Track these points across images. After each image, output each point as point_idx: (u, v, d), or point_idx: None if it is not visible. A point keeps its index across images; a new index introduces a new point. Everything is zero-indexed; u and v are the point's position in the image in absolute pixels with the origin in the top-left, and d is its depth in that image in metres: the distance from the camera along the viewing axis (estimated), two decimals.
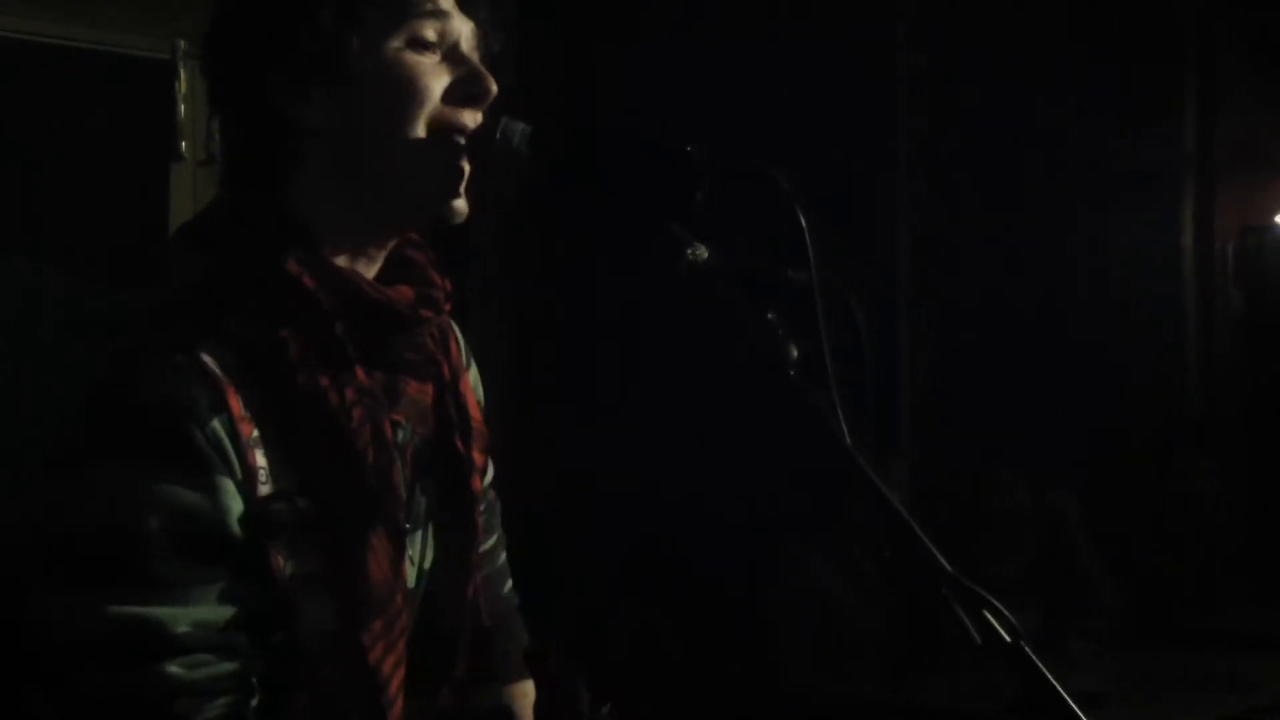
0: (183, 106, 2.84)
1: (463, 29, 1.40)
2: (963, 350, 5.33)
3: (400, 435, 1.42)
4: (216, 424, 1.23)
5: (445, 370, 1.51)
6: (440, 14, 1.37)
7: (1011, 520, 4.66)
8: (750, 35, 4.53)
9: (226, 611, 1.23)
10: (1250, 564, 5.76)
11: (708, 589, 3.96)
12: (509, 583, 1.73)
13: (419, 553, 1.48)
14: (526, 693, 1.69)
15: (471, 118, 1.40)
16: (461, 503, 1.52)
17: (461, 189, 1.41)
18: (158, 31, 2.87)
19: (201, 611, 1.22)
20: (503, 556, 1.72)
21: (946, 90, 5.31)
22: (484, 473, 1.58)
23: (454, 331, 1.59)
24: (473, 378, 1.64)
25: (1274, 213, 6.56)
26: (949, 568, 1.33)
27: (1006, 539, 4.62)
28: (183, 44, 2.87)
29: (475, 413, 1.56)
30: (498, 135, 1.39)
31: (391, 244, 1.44)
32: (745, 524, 4.02)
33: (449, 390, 1.51)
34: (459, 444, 1.50)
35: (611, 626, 3.73)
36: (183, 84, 2.83)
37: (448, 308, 1.50)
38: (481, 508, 1.58)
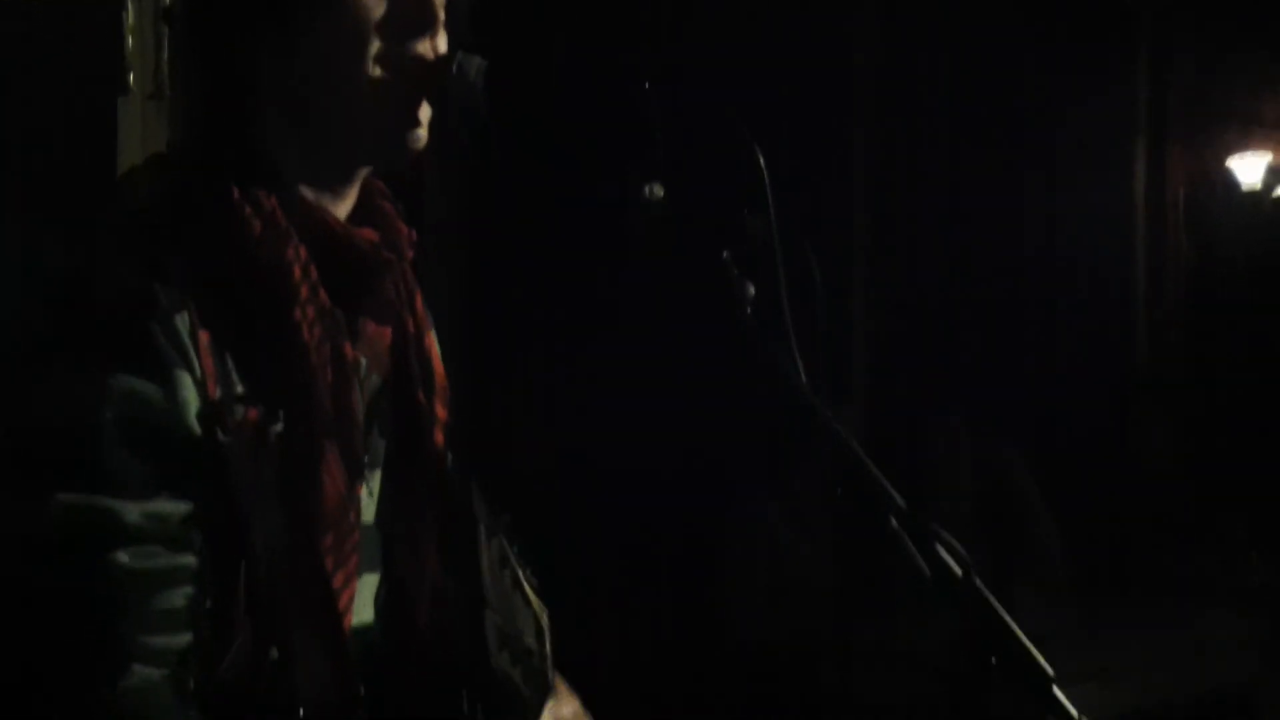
0: (130, 39, 2.80)
1: None
2: (916, 299, 5.36)
3: (359, 368, 1.42)
4: (177, 321, 1.24)
5: (409, 322, 1.52)
6: None
7: (957, 469, 4.71)
8: None
9: (180, 507, 1.23)
10: (1196, 513, 5.84)
11: (660, 535, 3.97)
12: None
13: (376, 489, 1.48)
14: None
15: (424, 47, 1.39)
16: (423, 454, 1.53)
17: (420, 118, 1.41)
18: None
19: (154, 505, 1.22)
20: None
21: (902, 38, 5.30)
22: (446, 428, 1.59)
23: (420, 290, 1.59)
24: (432, 333, 1.64)
25: (1223, 161, 6.62)
26: (901, 502, 1.34)
27: (952, 487, 4.67)
28: None
29: (438, 366, 1.56)
30: (454, 70, 1.38)
31: (357, 183, 1.45)
32: (698, 468, 4.03)
33: (412, 343, 1.52)
34: (420, 396, 1.51)
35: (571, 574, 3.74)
36: (130, 15, 2.78)
37: (410, 255, 1.50)
38: (445, 462, 1.58)
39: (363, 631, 1.42)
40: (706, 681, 3.88)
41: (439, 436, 1.53)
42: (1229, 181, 6.61)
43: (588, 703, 1.65)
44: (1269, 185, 6.75)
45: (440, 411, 1.54)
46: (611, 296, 3.71)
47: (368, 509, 1.45)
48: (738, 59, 4.46)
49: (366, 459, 1.43)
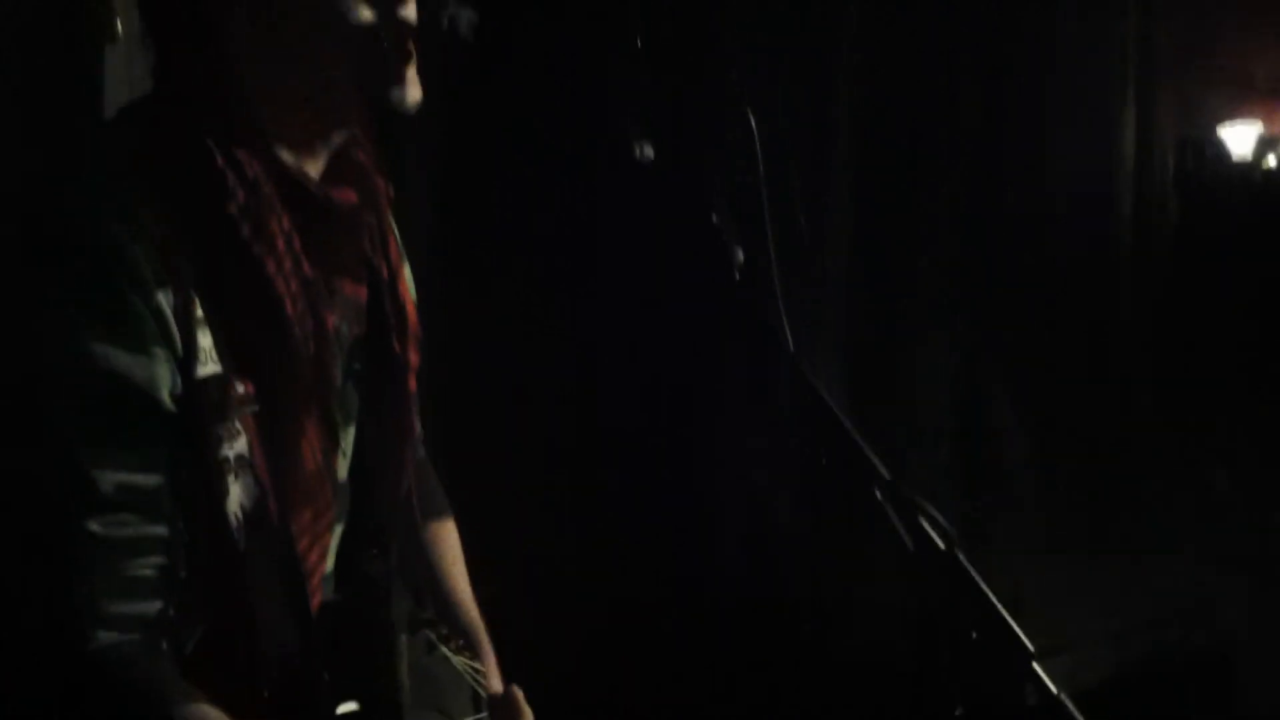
0: None
1: None
2: (899, 246, 5.31)
3: (339, 333, 1.41)
4: (161, 296, 1.22)
5: (384, 271, 1.49)
6: None
7: (937, 407, 4.71)
8: None
9: (155, 478, 1.23)
10: (1173, 463, 5.87)
11: (638, 479, 3.96)
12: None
13: (350, 446, 1.48)
14: (445, 528, 1.74)
15: (408, 10, 1.34)
16: (396, 401, 1.52)
17: (407, 74, 1.36)
18: None
19: (129, 474, 1.22)
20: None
21: None
22: (417, 372, 1.58)
23: (393, 230, 1.55)
24: (406, 275, 1.64)
25: (1214, 123, 6.57)
26: (886, 474, 1.35)
27: (932, 426, 4.67)
28: None
29: (412, 312, 1.53)
30: (444, 24, 1.35)
31: (337, 141, 1.40)
32: (679, 413, 4.02)
33: (387, 291, 1.49)
34: (395, 345, 1.50)
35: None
36: None
37: (387, 210, 1.49)
38: (415, 406, 1.58)
39: (324, 581, 1.43)
40: (680, 627, 3.88)
41: (411, 383, 1.54)
42: (1219, 151, 6.54)
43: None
44: (1259, 155, 6.69)
45: (413, 357, 1.54)
46: (601, 243, 3.68)
47: (341, 468, 1.45)
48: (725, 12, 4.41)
49: (341, 419, 1.43)
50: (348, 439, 1.48)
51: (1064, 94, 5.81)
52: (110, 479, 1.21)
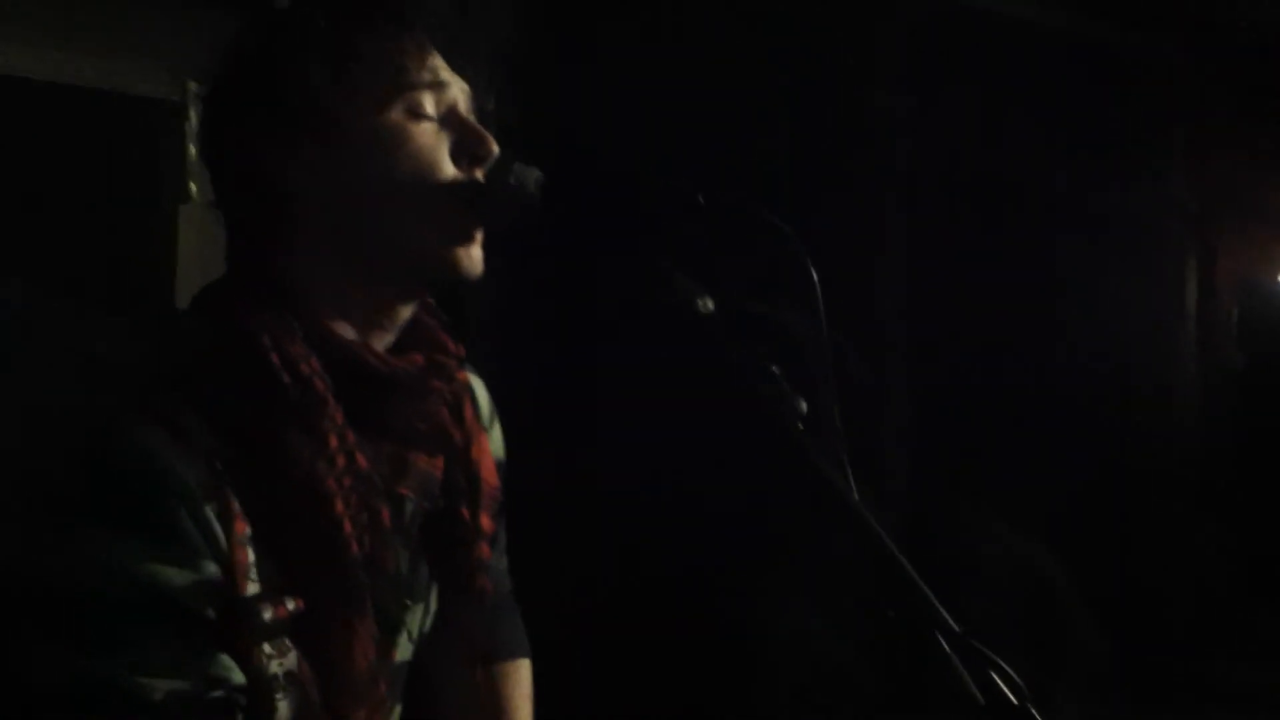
0: (192, 147, 2.84)
1: (458, 95, 1.38)
2: (957, 403, 5.31)
3: (407, 508, 1.40)
4: (209, 511, 1.21)
5: (457, 437, 1.47)
6: (439, 84, 1.35)
7: (997, 570, 4.65)
8: (739, 77, 4.51)
9: (204, 685, 1.22)
10: (1243, 621, 5.75)
11: (693, 623, 3.92)
12: (505, 577, 1.73)
13: (419, 623, 1.46)
14: (519, 668, 1.71)
15: (479, 176, 1.38)
16: (466, 569, 1.49)
17: (477, 239, 1.38)
18: (168, 72, 2.87)
19: (179, 683, 1.20)
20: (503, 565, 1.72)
21: (940, 146, 5.29)
22: (494, 539, 1.54)
23: (471, 392, 1.53)
24: (494, 438, 1.58)
25: (1275, 270, 6.53)
26: (956, 627, 1.32)
27: (992, 589, 4.61)
28: (193, 86, 2.88)
29: (490, 477, 1.50)
30: (511, 181, 1.37)
31: (407, 312, 1.41)
32: (738, 559, 4.00)
33: (459, 458, 1.47)
34: (465, 513, 1.47)
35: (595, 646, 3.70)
36: (193, 124, 2.83)
37: (461, 376, 1.48)
38: (489, 573, 1.54)
39: None
40: None
41: (484, 549, 1.51)
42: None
43: None
44: None
45: (486, 524, 1.50)
46: (663, 390, 3.70)
47: (404, 650, 1.44)
48: (768, 157, 4.47)
49: (407, 601, 1.41)
50: (414, 618, 1.46)
51: (1125, 247, 5.82)
52: (164, 687, 1.19)
